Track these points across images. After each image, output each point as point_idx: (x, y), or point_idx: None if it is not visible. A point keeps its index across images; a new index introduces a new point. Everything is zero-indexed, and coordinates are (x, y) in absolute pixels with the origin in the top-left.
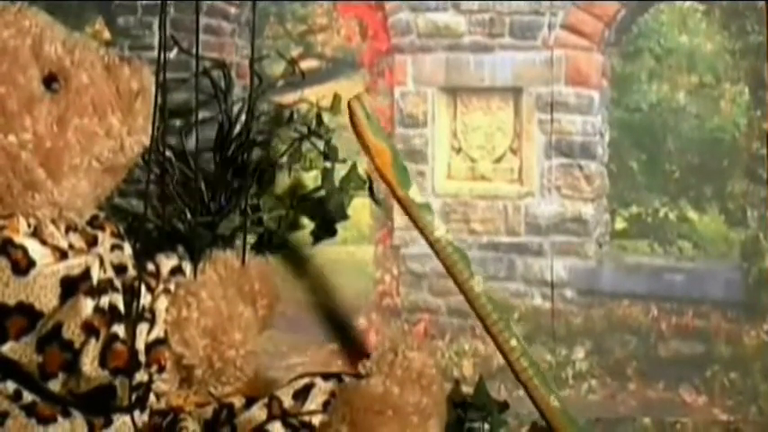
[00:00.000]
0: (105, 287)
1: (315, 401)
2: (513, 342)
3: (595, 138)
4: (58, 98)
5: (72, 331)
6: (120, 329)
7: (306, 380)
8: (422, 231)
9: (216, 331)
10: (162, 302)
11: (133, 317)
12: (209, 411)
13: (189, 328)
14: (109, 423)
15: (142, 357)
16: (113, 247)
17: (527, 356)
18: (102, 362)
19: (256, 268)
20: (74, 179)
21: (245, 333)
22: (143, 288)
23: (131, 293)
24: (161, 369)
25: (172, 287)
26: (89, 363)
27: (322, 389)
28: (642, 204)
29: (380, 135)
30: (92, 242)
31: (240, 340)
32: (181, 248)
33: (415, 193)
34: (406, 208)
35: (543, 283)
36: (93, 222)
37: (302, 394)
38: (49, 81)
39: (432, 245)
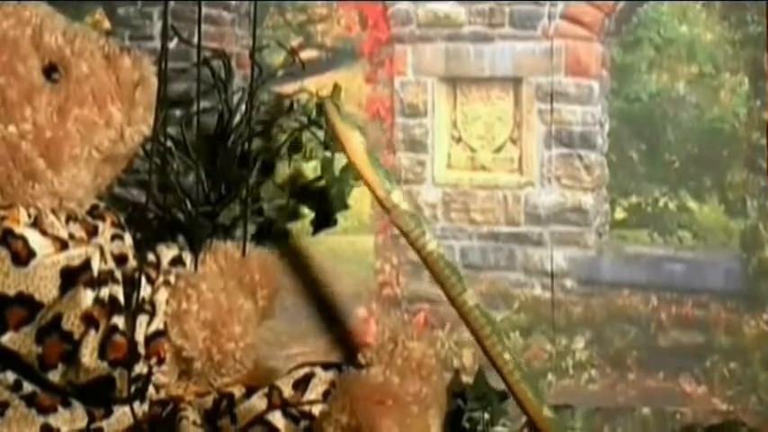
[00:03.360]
0: (105, 278)
1: (315, 391)
2: (507, 355)
3: (595, 128)
4: (58, 88)
5: (72, 322)
6: (119, 321)
7: (306, 369)
8: (412, 243)
9: (215, 324)
10: (162, 294)
11: (133, 308)
12: (209, 401)
13: (189, 321)
14: (109, 413)
15: (141, 349)
16: (114, 237)
17: (520, 369)
18: (102, 353)
19: (257, 259)
20: (74, 169)
21: (244, 326)
22: (143, 280)
23: (131, 285)
24: (160, 361)
25: (172, 279)
26: (88, 354)
27: (322, 378)
28: (642, 194)
29: (357, 132)
30: (92, 232)
31: (240, 333)
32: (181, 238)
33: (399, 199)
34: (394, 217)
35: (543, 273)
36: (94, 212)
37: (302, 384)
38: (50, 71)
39: (424, 258)
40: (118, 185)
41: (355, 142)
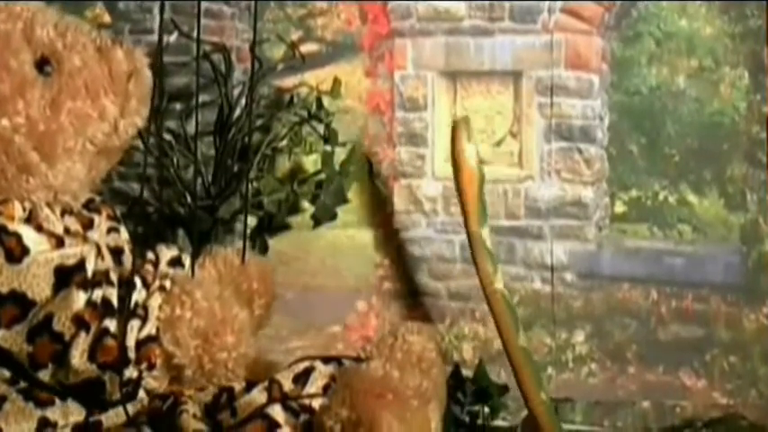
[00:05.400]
0: (99, 280)
1: (315, 385)
2: (543, 395)
3: (595, 121)
4: (51, 81)
5: (63, 323)
6: (111, 324)
7: (306, 363)
8: (481, 278)
9: (208, 332)
10: (156, 299)
11: (126, 312)
12: (209, 395)
13: (181, 328)
14: (105, 409)
15: (132, 354)
16: (110, 230)
17: (552, 410)
18: (92, 356)
19: (256, 267)
20: (68, 162)
21: (237, 335)
22: (138, 283)
23: (127, 286)
24: (151, 366)
25: (167, 284)
26: (78, 356)
27: (322, 372)
28: (642, 188)
29: (478, 164)
30: (88, 225)
31: (232, 343)
32: (181, 239)
33: (486, 236)
34: (474, 246)
35: (543, 267)
36: (89, 205)
37: (302, 378)
38: (42, 64)
39: (487, 295)
40: (118, 179)
41: (473, 168)
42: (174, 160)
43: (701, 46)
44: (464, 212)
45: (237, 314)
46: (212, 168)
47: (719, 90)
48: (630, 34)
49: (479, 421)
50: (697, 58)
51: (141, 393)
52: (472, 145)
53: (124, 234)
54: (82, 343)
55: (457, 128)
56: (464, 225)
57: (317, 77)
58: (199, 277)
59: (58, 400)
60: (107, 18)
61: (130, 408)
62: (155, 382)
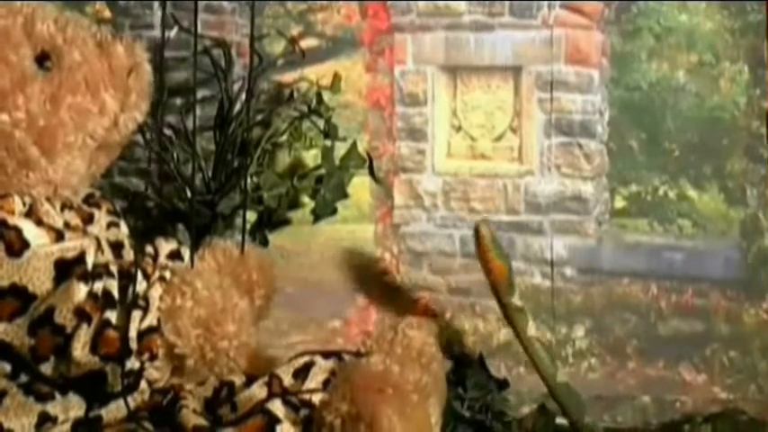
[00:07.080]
0: (100, 272)
1: (315, 380)
2: None
3: (595, 116)
4: (51, 76)
5: (64, 316)
6: (112, 316)
7: (306, 358)
8: (516, 332)
9: (209, 322)
10: (156, 290)
11: (127, 303)
12: (209, 389)
13: (182, 317)
14: (106, 401)
15: (134, 345)
16: (109, 225)
17: None
18: (94, 348)
19: (255, 258)
20: (68, 157)
21: (238, 325)
22: (139, 274)
23: (127, 278)
24: (153, 357)
25: (167, 275)
26: (80, 348)
27: (322, 367)
28: (642, 183)
29: (503, 258)
30: (87, 220)
31: (233, 332)
32: (181, 230)
33: (516, 300)
34: (508, 311)
35: (543, 262)
36: (89, 200)
37: (302, 372)
38: (42, 59)
39: (522, 343)
40: (118, 174)
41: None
42: (175, 155)
43: (701, 41)
44: (494, 288)
45: (238, 303)
46: (212, 163)
47: (719, 85)
48: (630, 29)
49: (479, 416)
50: (697, 53)
51: (143, 384)
52: (496, 244)
53: (124, 229)
54: (83, 335)
55: (481, 231)
56: (495, 296)
57: (317, 72)
58: (198, 268)
59: (58, 395)
60: (108, 14)
61: (132, 400)
62: (157, 372)
